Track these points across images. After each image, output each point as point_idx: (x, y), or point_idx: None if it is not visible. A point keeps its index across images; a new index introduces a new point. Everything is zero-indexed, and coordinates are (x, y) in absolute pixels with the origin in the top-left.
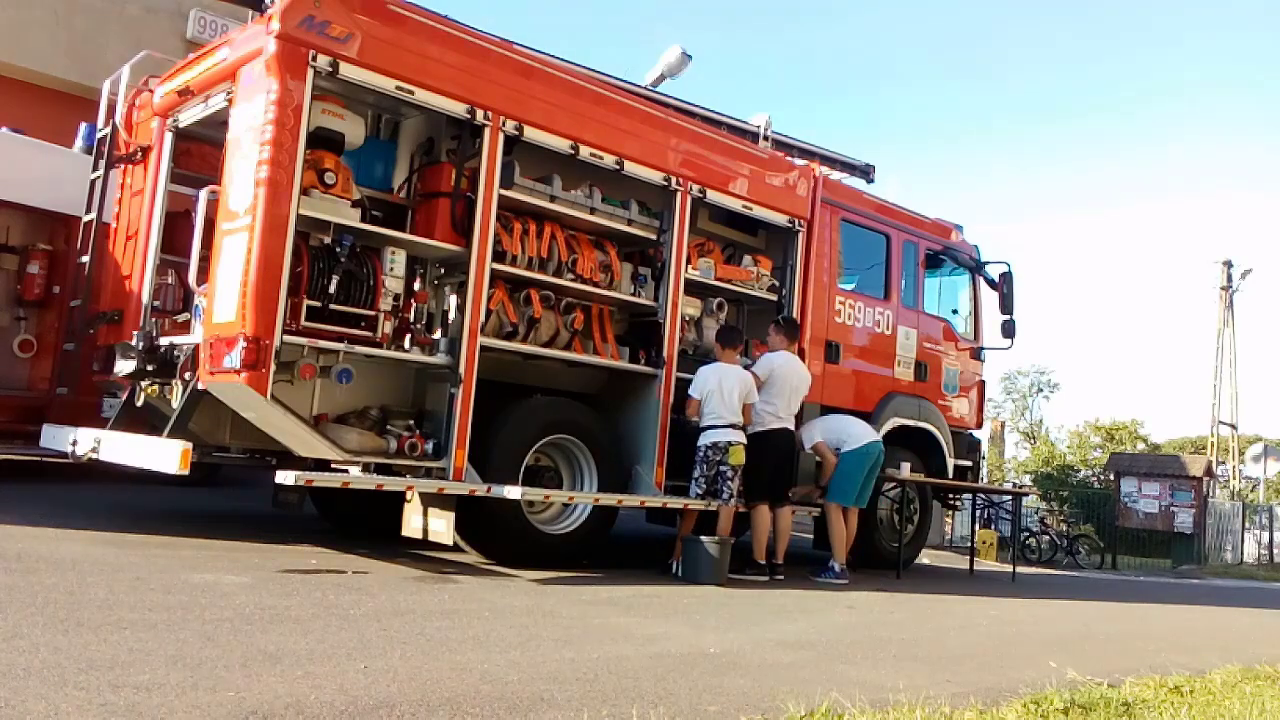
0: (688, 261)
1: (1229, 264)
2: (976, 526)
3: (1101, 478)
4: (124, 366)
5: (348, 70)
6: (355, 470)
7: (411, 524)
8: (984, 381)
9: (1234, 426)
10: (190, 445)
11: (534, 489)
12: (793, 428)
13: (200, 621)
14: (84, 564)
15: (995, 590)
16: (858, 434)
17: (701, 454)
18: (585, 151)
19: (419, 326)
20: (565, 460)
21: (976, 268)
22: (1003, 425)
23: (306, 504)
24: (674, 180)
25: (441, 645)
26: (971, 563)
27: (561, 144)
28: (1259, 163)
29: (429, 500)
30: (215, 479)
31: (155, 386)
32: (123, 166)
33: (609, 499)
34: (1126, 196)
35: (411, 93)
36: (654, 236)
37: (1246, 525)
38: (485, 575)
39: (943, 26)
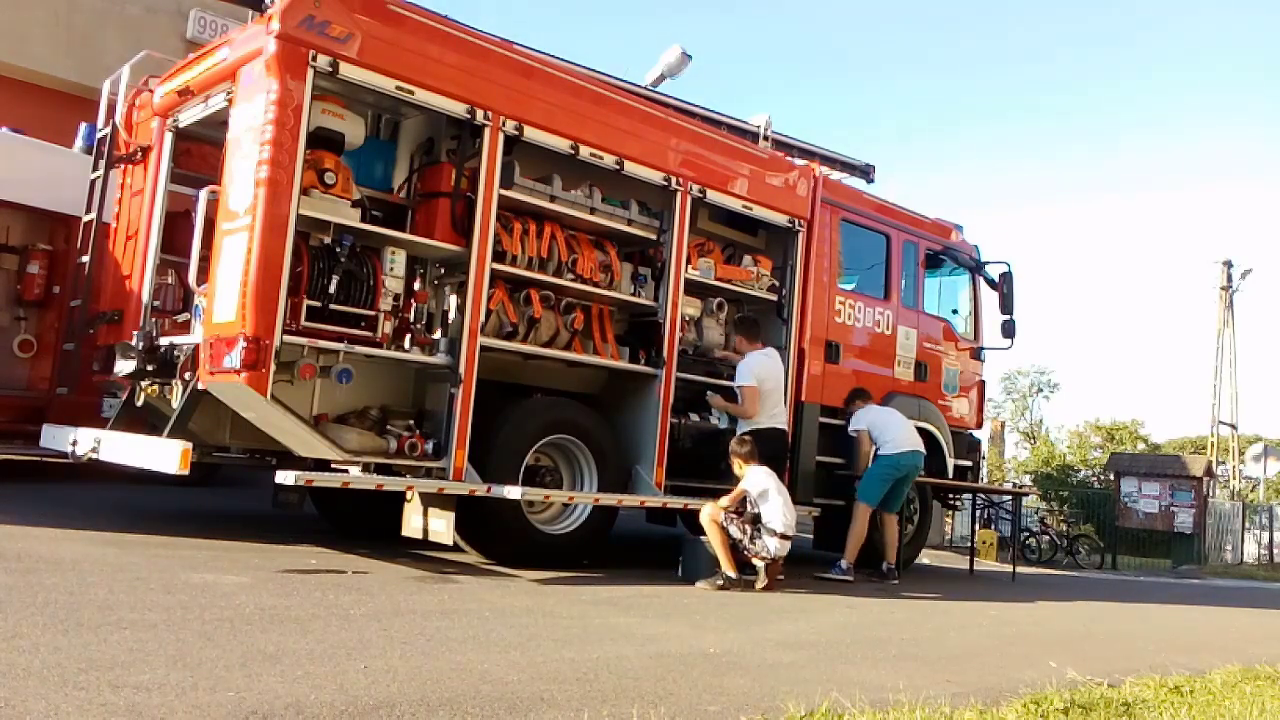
0: (688, 261)
1: (1229, 264)
2: (976, 526)
3: (1101, 478)
4: (124, 366)
5: (348, 70)
6: (355, 470)
7: (411, 524)
8: (984, 381)
9: (1234, 426)
10: (190, 445)
11: (534, 489)
12: (784, 426)
13: (200, 621)
14: (84, 564)
15: (995, 590)
16: (896, 440)
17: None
18: (585, 151)
19: (419, 326)
20: (565, 460)
21: (976, 268)
22: (1003, 425)
23: (306, 504)
24: (674, 180)
25: (441, 645)
26: (971, 563)
27: (561, 144)
28: (1261, 158)
29: (429, 500)
30: (215, 479)
31: (155, 386)
32: (123, 166)
33: (609, 499)
34: (1126, 195)
35: (411, 93)
36: (654, 236)
37: (1246, 525)
38: (485, 575)
39: (942, 17)
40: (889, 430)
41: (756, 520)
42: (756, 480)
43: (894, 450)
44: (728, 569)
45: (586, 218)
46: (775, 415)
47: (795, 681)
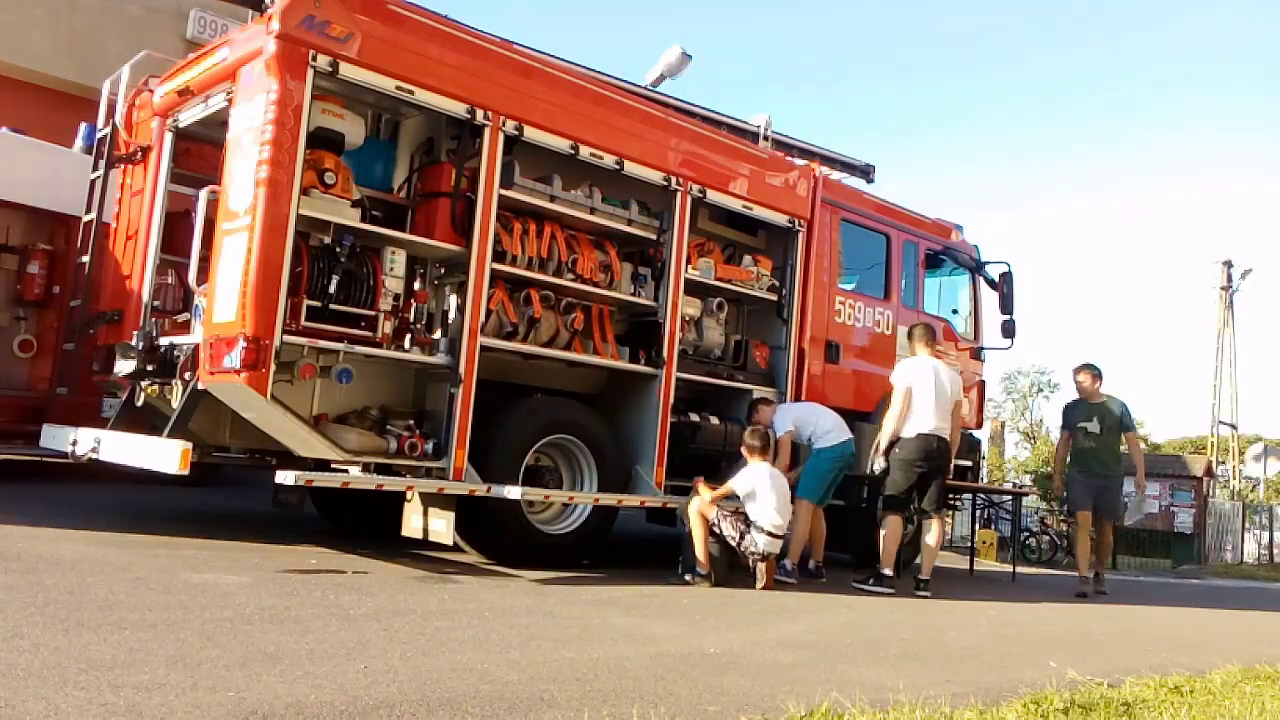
0: (688, 261)
1: (1229, 264)
2: (976, 526)
3: None
4: (124, 366)
5: (348, 70)
6: (355, 470)
7: (411, 524)
8: (984, 381)
9: (1234, 426)
10: (190, 445)
11: (534, 489)
12: (939, 434)
13: (200, 621)
14: (84, 564)
15: (995, 590)
16: (834, 430)
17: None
18: (585, 151)
19: (419, 326)
20: (565, 460)
21: (976, 268)
22: (1003, 425)
23: (306, 504)
24: (674, 180)
25: (441, 645)
26: (971, 563)
27: (561, 144)
28: (1261, 158)
29: (429, 500)
30: (215, 479)
31: (155, 386)
32: (123, 166)
33: (609, 499)
34: (1126, 192)
35: (411, 93)
36: (654, 236)
37: (1246, 525)
38: (485, 575)
39: (943, 15)
40: (823, 421)
41: (747, 517)
42: (747, 480)
43: (835, 441)
44: (700, 565)
45: (586, 218)
46: (923, 424)
47: (795, 681)
